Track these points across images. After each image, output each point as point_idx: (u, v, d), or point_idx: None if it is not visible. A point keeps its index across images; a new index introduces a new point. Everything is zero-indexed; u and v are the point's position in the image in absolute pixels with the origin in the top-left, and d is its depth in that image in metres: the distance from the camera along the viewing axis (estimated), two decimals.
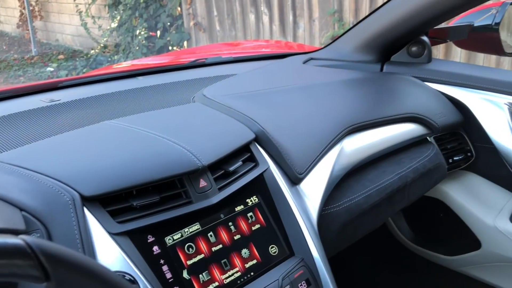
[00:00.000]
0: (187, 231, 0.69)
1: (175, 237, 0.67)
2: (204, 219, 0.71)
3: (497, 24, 1.21)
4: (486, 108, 1.16)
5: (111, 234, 0.61)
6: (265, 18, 4.79)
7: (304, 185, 0.84)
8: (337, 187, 0.93)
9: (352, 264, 1.52)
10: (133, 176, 0.65)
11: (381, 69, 1.30)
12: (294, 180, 0.83)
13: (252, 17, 4.92)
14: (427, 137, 1.17)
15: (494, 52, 1.31)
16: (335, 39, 1.40)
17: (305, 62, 1.35)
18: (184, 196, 0.69)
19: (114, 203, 0.64)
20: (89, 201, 0.62)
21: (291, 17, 4.56)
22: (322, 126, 0.95)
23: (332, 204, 0.91)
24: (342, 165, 0.94)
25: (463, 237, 1.29)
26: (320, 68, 1.31)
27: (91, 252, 0.59)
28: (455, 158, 1.23)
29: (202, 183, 0.71)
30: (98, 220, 0.61)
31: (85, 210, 0.61)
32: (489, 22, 1.22)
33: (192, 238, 0.69)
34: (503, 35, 1.24)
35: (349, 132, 0.98)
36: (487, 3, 1.17)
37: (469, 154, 1.25)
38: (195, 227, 0.70)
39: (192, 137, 0.77)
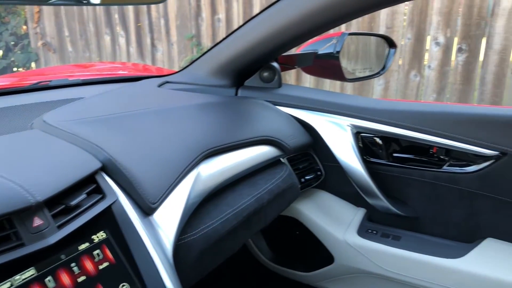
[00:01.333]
0: (18, 279, 0.59)
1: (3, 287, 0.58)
2: (41, 263, 0.62)
3: (338, 52, 1.31)
4: (331, 130, 1.24)
5: None
6: (122, 40, 4.65)
7: (157, 215, 0.80)
8: (194, 213, 0.90)
9: None
10: None
11: (236, 93, 1.32)
12: (147, 210, 0.78)
13: (107, 38, 4.74)
14: (281, 159, 1.21)
15: (337, 78, 1.41)
16: (190, 63, 1.39)
17: (160, 85, 1.31)
18: (14, 238, 0.60)
19: None
20: None
21: (148, 40, 4.49)
22: (177, 151, 0.92)
23: (190, 232, 0.88)
24: (199, 191, 0.92)
25: (317, 252, 1.35)
26: (175, 91, 1.28)
27: None
28: (306, 177, 1.29)
29: (37, 221, 0.62)
30: None
31: None
32: (331, 51, 1.32)
33: (25, 285, 0.60)
34: (344, 63, 1.35)
35: (206, 157, 0.97)
36: (328, 32, 1.26)
37: (319, 173, 1.32)
38: (29, 272, 0.61)
39: (25, 169, 0.67)
